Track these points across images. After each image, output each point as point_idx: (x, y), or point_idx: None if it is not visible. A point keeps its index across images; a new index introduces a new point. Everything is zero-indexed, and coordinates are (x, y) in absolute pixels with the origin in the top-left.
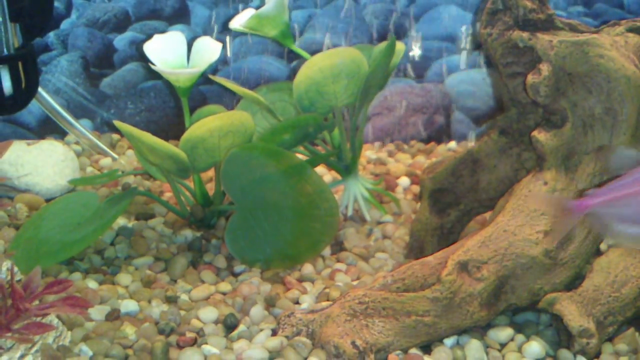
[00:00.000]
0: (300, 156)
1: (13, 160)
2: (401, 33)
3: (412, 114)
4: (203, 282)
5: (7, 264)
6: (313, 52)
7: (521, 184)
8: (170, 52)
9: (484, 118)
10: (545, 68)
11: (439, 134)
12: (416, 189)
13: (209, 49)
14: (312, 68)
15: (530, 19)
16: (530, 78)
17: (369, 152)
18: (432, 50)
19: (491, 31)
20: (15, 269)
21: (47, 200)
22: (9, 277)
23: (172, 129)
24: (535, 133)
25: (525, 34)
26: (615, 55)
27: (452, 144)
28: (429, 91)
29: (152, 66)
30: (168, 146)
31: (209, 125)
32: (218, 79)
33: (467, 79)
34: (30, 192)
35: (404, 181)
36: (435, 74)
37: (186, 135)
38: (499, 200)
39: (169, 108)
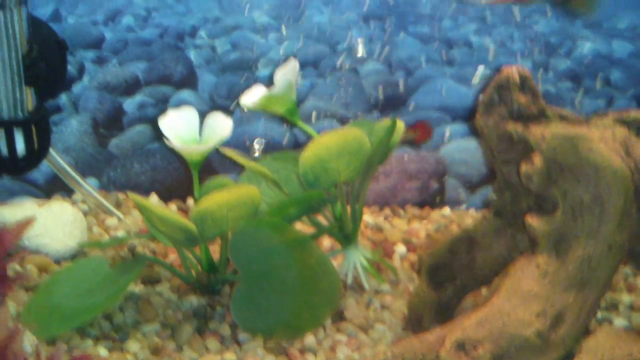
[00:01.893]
0: (303, 226)
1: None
2: (399, 103)
3: (407, 179)
4: (208, 350)
5: (31, 340)
6: (308, 118)
7: (515, 266)
8: (183, 127)
9: (476, 185)
10: (537, 159)
11: (434, 200)
12: (412, 256)
13: (220, 126)
14: (318, 146)
15: (524, 113)
16: (524, 167)
17: (366, 216)
18: (429, 119)
19: (487, 120)
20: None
21: (57, 262)
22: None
23: (175, 189)
24: (528, 218)
25: (519, 127)
26: (603, 149)
27: (446, 209)
28: (424, 158)
29: (167, 142)
30: (178, 218)
31: (218, 199)
32: (226, 151)
33: (461, 148)
34: (40, 254)
35: (401, 248)
36: (430, 142)
37: (197, 208)
38: (495, 279)
39: (173, 169)
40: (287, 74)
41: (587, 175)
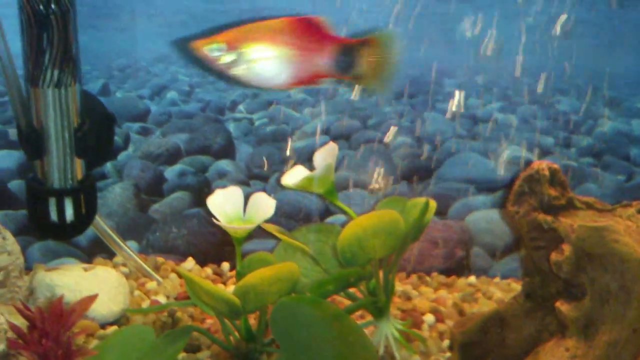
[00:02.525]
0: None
1: (72, 286)
2: (426, 173)
3: (434, 247)
4: None
5: None
6: (344, 189)
7: (545, 348)
8: (229, 205)
9: (500, 253)
10: (567, 248)
11: (460, 267)
12: (441, 326)
13: (264, 205)
14: (356, 226)
15: (553, 204)
16: (554, 256)
17: (395, 284)
18: (454, 190)
19: (518, 209)
20: None
21: (102, 326)
22: None
23: (211, 253)
24: (558, 304)
25: (549, 218)
26: (628, 240)
27: (472, 278)
28: (451, 227)
29: (215, 220)
30: (223, 291)
31: (261, 274)
32: (267, 226)
33: (485, 217)
34: (87, 318)
35: (429, 318)
36: (456, 211)
37: (241, 283)
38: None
39: (209, 234)
40: (327, 157)
41: (614, 264)
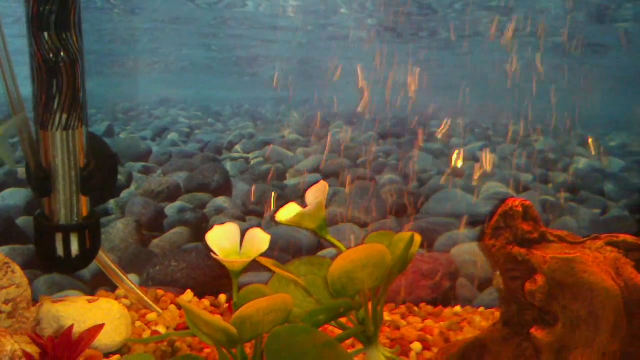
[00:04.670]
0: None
1: (77, 317)
2: (414, 208)
3: (421, 278)
4: None
5: None
6: (335, 223)
7: None
8: (226, 241)
9: (484, 284)
10: (540, 279)
11: (446, 298)
12: (428, 354)
13: (259, 240)
14: (345, 259)
15: (527, 237)
16: (528, 285)
17: (384, 314)
18: (439, 224)
19: (495, 243)
20: None
21: (106, 356)
22: None
23: (209, 285)
24: (533, 331)
25: (523, 251)
26: (596, 270)
27: (458, 308)
28: (437, 259)
29: (213, 255)
30: (221, 321)
31: (256, 305)
32: (262, 260)
33: (470, 250)
34: (91, 348)
35: (417, 346)
36: (442, 244)
37: (238, 313)
38: None
39: (207, 267)
40: (318, 195)
41: (583, 293)
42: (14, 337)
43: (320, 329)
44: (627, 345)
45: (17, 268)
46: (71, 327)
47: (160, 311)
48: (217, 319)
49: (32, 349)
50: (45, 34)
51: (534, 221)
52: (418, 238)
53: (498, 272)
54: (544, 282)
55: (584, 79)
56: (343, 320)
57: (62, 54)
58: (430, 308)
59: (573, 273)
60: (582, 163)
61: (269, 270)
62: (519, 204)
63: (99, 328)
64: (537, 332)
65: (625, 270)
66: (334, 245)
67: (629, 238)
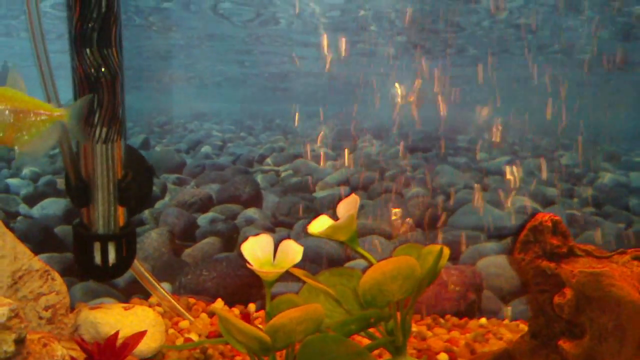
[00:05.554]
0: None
1: (113, 324)
2: (440, 222)
3: (446, 290)
4: None
5: None
6: (362, 235)
7: None
8: (260, 251)
9: (509, 296)
10: (568, 292)
11: (471, 310)
12: None
13: (292, 251)
14: (376, 271)
15: (556, 252)
16: (557, 298)
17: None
18: (467, 237)
19: (524, 257)
20: None
21: None
22: None
23: (238, 294)
24: (561, 343)
25: (552, 265)
26: (623, 284)
27: (483, 320)
28: (463, 271)
29: (248, 265)
30: (255, 330)
31: (289, 315)
32: (295, 270)
33: (495, 263)
34: None
35: (443, 357)
36: (468, 256)
37: (271, 322)
38: None
39: (237, 276)
40: (350, 208)
41: (610, 306)
42: (60, 342)
43: (351, 339)
44: None
45: (57, 275)
46: (117, 333)
47: (192, 319)
48: (251, 327)
49: (75, 354)
50: (88, 50)
51: (563, 236)
52: (447, 251)
53: None
54: (572, 295)
55: (609, 94)
56: (372, 330)
57: (103, 69)
58: (455, 320)
59: (601, 287)
60: (607, 178)
61: (297, 280)
62: (549, 219)
63: (142, 334)
64: (565, 344)
65: None
66: (363, 257)
67: None
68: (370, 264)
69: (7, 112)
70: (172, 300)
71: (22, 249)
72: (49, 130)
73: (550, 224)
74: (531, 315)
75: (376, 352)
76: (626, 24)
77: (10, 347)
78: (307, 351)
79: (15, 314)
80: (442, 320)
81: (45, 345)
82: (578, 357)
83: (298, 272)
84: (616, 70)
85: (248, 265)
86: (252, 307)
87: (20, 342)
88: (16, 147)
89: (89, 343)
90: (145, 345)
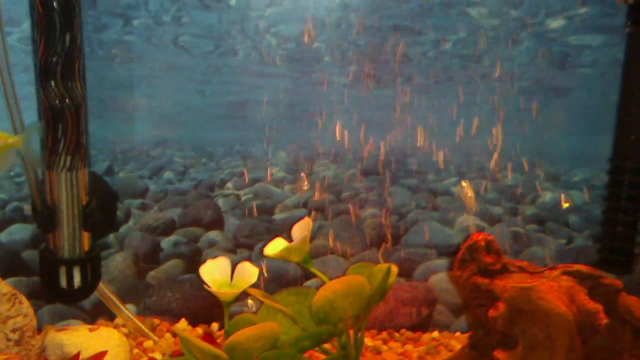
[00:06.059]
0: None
1: (79, 345)
2: (393, 240)
3: (402, 306)
4: None
5: None
6: (320, 255)
7: None
8: (218, 273)
9: (460, 310)
10: (501, 306)
11: (425, 324)
12: None
13: (248, 273)
14: (327, 290)
15: (490, 270)
16: (491, 312)
17: (366, 340)
18: (419, 255)
19: (462, 274)
20: None
21: None
22: None
23: (201, 314)
24: (496, 353)
25: (486, 281)
26: (551, 298)
27: (435, 333)
28: (416, 287)
29: (206, 287)
30: (213, 348)
31: (246, 333)
32: (252, 290)
33: (446, 279)
34: None
35: None
36: (421, 273)
37: (229, 340)
38: None
39: (200, 297)
40: (303, 231)
41: (540, 318)
42: None
43: (305, 354)
44: None
45: (24, 299)
46: (78, 353)
47: (157, 339)
48: (210, 346)
49: None
50: (52, 82)
51: (496, 254)
52: (395, 269)
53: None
54: (505, 309)
55: (548, 119)
56: (327, 346)
57: (67, 100)
58: (410, 333)
59: (531, 300)
60: (547, 196)
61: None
62: (482, 239)
63: (102, 354)
64: (499, 355)
65: (578, 297)
66: (317, 276)
67: (582, 268)
68: (324, 283)
69: None
70: (137, 321)
71: None
72: (3, 156)
73: (483, 243)
74: (470, 328)
75: None
76: (561, 53)
77: None
78: None
79: None
80: (397, 335)
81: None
82: None
83: (256, 293)
84: (553, 96)
85: (206, 287)
86: (215, 326)
87: None
88: None
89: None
90: None
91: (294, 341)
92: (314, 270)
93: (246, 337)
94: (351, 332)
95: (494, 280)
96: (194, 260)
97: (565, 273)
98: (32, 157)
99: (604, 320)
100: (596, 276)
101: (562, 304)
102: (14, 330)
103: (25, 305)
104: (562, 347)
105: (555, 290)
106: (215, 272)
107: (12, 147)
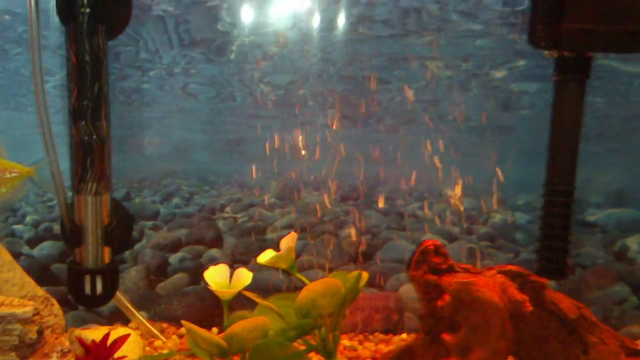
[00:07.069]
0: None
1: None
2: (369, 256)
3: (375, 313)
4: None
5: None
6: (306, 269)
7: None
8: (219, 277)
9: None
10: (447, 297)
11: (395, 328)
12: None
13: (243, 276)
14: (309, 290)
15: (438, 269)
16: (439, 302)
17: (344, 341)
18: (390, 269)
19: (416, 273)
20: None
21: None
22: None
23: (203, 321)
24: (444, 335)
25: (435, 277)
26: (486, 290)
27: (404, 335)
28: (388, 297)
29: (209, 287)
30: (215, 337)
31: (242, 325)
32: (247, 293)
33: (414, 289)
34: None
35: None
36: (391, 285)
37: (228, 331)
38: None
39: (202, 306)
40: (289, 242)
41: (478, 307)
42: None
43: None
44: (516, 347)
45: (55, 302)
46: (108, 333)
47: (165, 340)
48: (212, 335)
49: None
50: (83, 121)
51: (444, 256)
52: (365, 275)
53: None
54: (450, 299)
55: (495, 152)
56: (309, 338)
57: (94, 137)
58: (382, 336)
59: (470, 292)
60: (497, 218)
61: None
62: (432, 244)
63: (125, 337)
64: (446, 337)
65: (509, 290)
66: (301, 282)
67: (513, 268)
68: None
69: None
70: (148, 325)
71: (28, 280)
72: (20, 184)
73: (432, 248)
74: (424, 317)
75: (314, 358)
76: (504, 98)
77: (33, 336)
78: (256, 353)
79: (37, 312)
80: (371, 337)
81: (56, 338)
82: (457, 346)
83: (250, 295)
84: (499, 134)
85: (209, 287)
86: (214, 330)
87: (40, 333)
88: None
89: (86, 342)
90: (127, 358)
91: (281, 331)
92: (298, 275)
93: (242, 328)
94: (330, 325)
95: (441, 277)
96: (197, 274)
97: (500, 272)
98: (43, 184)
99: (529, 308)
100: (525, 274)
101: (495, 295)
102: (46, 327)
103: (56, 307)
104: (496, 330)
105: (491, 284)
106: (216, 275)
107: (27, 176)
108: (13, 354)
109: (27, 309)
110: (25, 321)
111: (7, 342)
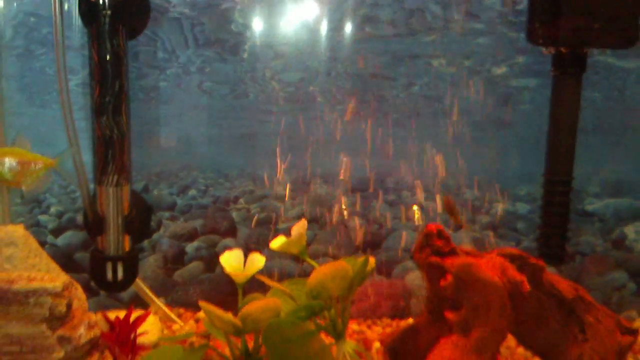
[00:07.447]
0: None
1: None
2: (375, 245)
3: (383, 299)
4: None
5: None
6: (316, 257)
7: (440, 342)
8: (234, 261)
9: None
10: (449, 278)
11: (402, 314)
12: None
13: (257, 260)
14: (319, 273)
15: (441, 251)
16: (442, 283)
17: (353, 326)
18: (396, 257)
19: (421, 256)
20: None
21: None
22: None
23: (219, 306)
24: (447, 314)
25: (438, 259)
26: (487, 271)
27: (410, 319)
28: (395, 284)
29: (225, 271)
30: (231, 316)
31: (256, 305)
32: (261, 277)
33: (419, 276)
34: None
35: (377, 344)
36: (398, 272)
37: (242, 311)
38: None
39: (217, 292)
40: (300, 229)
41: (479, 287)
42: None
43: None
44: (517, 328)
45: (79, 286)
46: (131, 309)
47: (182, 323)
48: (228, 314)
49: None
50: (104, 117)
51: (446, 240)
52: (372, 260)
53: None
54: (452, 280)
55: (497, 146)
56: (320, 321)
57: (115, 131)
58: (389, 321)
59: (471, 273)
60: (499, 208)
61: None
62: (435, 228)
63: (147, 314)
64: (449, 315)
65: (508, 271)
66: (311, 266)
67: (513, 251)
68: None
69: (16, 163)
70: (166, 310)
71: (54, 265)
72: (45, 175)
73: (435, 231)
74: (428, 298)
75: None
76: (505, 94)
77: (63, 309)
78: (269, 332)
79: (67, 287)
80: (379, 322)
81: (84, 312)
82: (459, 323)
83: (264, 278)
84: (500, 128)
85: (225, 271)
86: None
87: (69, 306)
88: (23, 187)
89: (110, 318)
90: (146, 339)
91: (292, 311)
92: (308, 260)
93: (255, 308)
94: (339, 307)
95: (444, 259)
96: (212, 263)
97: (499, 255)
98: (66, 175)
99: (528, 288)
100: (524, 257)
101: (495, 276)
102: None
103: (80, 291)
104: (496, 308)
105: (491, 266)
106: (231, 260)
107: (51, 167)
108: (44, 325)
109: (57, 284)
110: (55, 295)
111: (38, 314)
